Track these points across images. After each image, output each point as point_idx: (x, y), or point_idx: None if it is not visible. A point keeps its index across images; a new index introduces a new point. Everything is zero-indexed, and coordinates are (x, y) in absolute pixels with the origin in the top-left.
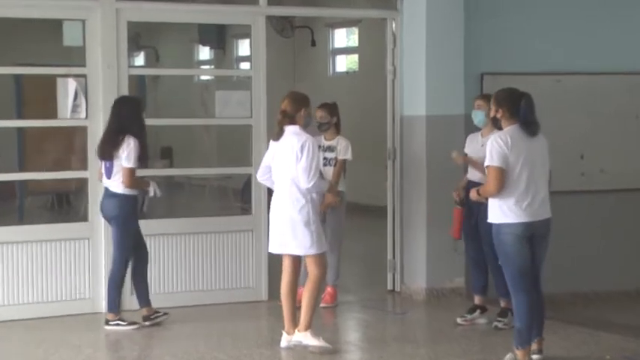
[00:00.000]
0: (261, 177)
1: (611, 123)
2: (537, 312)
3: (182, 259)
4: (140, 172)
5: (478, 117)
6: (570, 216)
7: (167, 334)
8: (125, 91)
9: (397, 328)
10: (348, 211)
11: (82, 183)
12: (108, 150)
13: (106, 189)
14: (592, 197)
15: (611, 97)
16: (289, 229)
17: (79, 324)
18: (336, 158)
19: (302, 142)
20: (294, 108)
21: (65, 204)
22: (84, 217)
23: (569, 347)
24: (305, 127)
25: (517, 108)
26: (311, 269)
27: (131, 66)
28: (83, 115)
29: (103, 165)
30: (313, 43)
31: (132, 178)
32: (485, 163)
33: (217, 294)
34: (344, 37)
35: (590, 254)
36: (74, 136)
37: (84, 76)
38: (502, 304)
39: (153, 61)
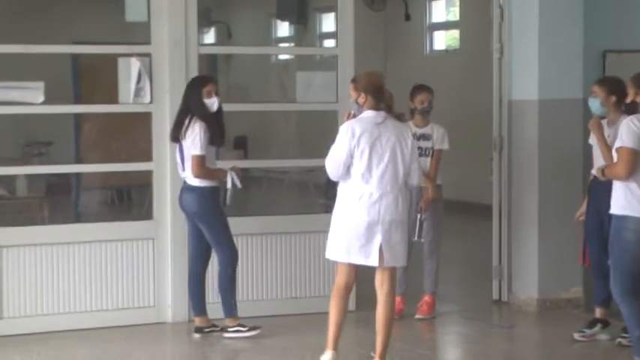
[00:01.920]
0: (340, 176)
1: None
2: None
3: (258, 263)
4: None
5: (594, 105)
6: None
7: (241, 345)
8: (194, 72)
9: (504, 343)
10: (447, 209)
11: (147, 176)
12: (174, 131)
13: (184, 181)
14: None
15: None
16: (399, 236)
17: (141, 335)
18: (432, 148)
19: (409, 132)
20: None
21: (127, 200)
22: (148, 215)
23: None
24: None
25: None
26: (392, 283)
27: (201, 44)
28: (147, 99)
29: (178, 154)
30: (408, 17)
31: (201, 167)
32: (617, 145)
33: (298, 303)
34: (443, 10)
35: None
36: (137, 123)
37: (148, 55)
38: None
39: (225, 38)
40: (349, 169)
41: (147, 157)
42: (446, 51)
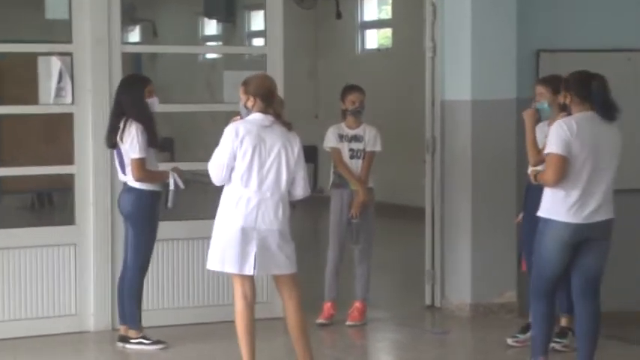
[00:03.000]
0: (224, 180)
1: None
2: (589, 328)
3: (182, 269)
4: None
5: (545, 110)
6: None
7: (166, 356)
8: (118, 72)
9: (437, 350)
10: (378, 212)
11: (68, 180)
12: (109, 137)
13: (124, 183)
14: None
15: None
16: (277, 245)
17: (62, 345)
18: (364, 150)
19: (297, 140)
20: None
21: (47, 204)
22: (69, 220)
23: None
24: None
25: (588, 92)
26: (291, 290)
27: (125, 42)
28: (69, 99)
29: (116, 159)
30: (339, 15)
31: (142, 170)
32: (546, 150)
33: (224, 310)
34: (375, 8)
35: None
36: (58, 125)
37: (69, 54)
38: (562, 322)
39: (150, 36)
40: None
41: (69, 159)
42: (378, 50)
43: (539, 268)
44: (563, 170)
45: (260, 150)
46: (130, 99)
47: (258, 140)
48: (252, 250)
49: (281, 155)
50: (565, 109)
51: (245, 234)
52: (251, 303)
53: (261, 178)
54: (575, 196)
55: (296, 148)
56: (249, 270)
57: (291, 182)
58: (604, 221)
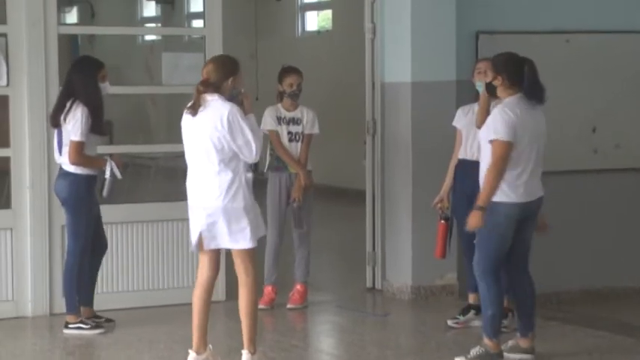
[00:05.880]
0: None
1: (628, 90)
2: (527, 303)
3: (122, 252)
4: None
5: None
6: (581, 199)
7: (106, 340)
8: (54, 53)
9: (378, 332)
10: (318, 194)
11: (4, 163)
12: (54, 115)
13: (60, 167)
14: (606, 177)
15: (629, 60)
16: (223, 221)
17: (0, 330)
18: (302, 133)
19: (227, 110)
20: (220, 76)
21: None
22: (6, 204)
23: (579, 353)
24: (229, 100)
25: (519, 75)
26: (246, 268)
27: (62, 23)
28: (4, 81)
29: (56, 138)
30: None
31: (79, 154)
32: (491, 137)
33: (166, 294)
34: None
35: (605, 244)
36: None
37: (4, 35)
38: (504, 303)
39: (88, 17)
40: None
41: (5, 142)
42: (318, 32)
43: (488, 246)
44: (508, 157)
45: (188, 129)
46: (82, 81)
47: (189, 119)
48: (199, 227)
49: (205, 131)
50: (490, 90)
51: (193, 211)
52: (206, 282)
53: (193, 156)
54: (518, 177)
55: (225, 119)
56: (193, 247)
57: (229, 154)
58: (539, 198)
